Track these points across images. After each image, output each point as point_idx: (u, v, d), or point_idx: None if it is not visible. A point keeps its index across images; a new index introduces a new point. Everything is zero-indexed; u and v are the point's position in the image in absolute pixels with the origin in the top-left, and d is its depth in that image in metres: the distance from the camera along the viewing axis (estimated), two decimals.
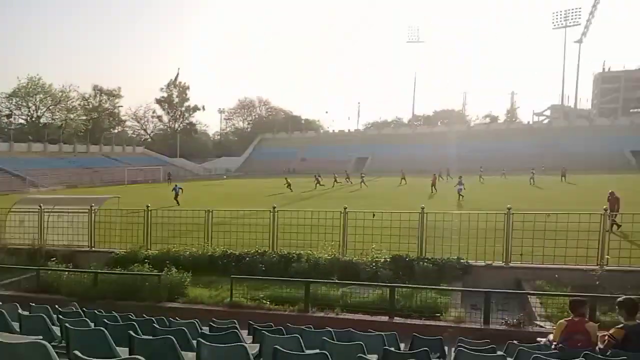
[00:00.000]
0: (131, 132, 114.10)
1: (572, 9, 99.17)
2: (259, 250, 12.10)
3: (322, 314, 8.86)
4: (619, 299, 5.56)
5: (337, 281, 9.91)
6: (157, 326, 6.19)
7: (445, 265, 10.77)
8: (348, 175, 50.40)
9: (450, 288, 9.83)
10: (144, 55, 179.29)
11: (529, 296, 9.14)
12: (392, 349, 5.67)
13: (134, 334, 4.83)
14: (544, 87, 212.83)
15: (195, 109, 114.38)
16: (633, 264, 9.85)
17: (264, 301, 9.47)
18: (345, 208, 12.40)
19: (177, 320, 7.21)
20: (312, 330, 6.50)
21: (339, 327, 7.01)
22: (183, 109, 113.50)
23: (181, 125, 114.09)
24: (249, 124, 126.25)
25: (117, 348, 4.69)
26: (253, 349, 5.65)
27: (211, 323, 7.16)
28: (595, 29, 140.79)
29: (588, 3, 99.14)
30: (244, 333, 7.05)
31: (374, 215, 12.98)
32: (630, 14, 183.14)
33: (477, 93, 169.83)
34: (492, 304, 8.15)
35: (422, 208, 11.86)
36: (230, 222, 14.28)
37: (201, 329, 6.56)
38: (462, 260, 10.96)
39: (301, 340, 5.27)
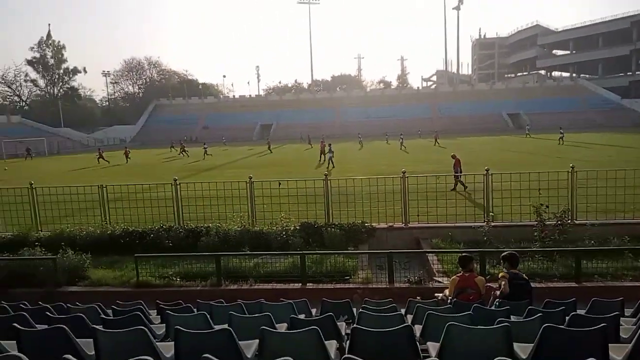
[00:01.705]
0: (1, 99, 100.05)
1: None
2: (164, 226, 11.57)
3: (235, 287, 8.83)
4: (502, 254, 6.37)
5: (248, 252, 9.88)
6: (53, 314, 5.73)
7: (351, 229, 11.22)
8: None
9: (356, 251, 10.33)
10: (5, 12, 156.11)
11: (427, 254, 9.95)
12: (302, 316, 5.87)
13: (20, 327, 4.41)
14: (431, 53, 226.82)
15: (75, 71, 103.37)
16: (514, 219, 11.12)
17: (174, 278, 9.17)
18: (250, 177, 12.28)
19: (77, 305, 6.73)
20: (223, 305, 6.46)
21: (253, 299, 7.07)
22: (61, 71, 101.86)
23: (61, 90, 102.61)
24: (139, 88, 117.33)
25: (4, 343, 4.29)
26: (160, 329, 5.51)
27: (114, 306, 6.79)
28: None
29: None
30: (153, 313, 6.82)
31: (279, 184, 13.04)
32: None
33: (371, 59, 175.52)
34: (395, 264, 8.73)
35: (325, 175, 12.15)
36: (128, 198, 13.40)
37: (104, 313, 6.22)
38: (366, 224, 11.51)
39: (209, 317, 5.23)
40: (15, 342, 4.32)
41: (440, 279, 8.63)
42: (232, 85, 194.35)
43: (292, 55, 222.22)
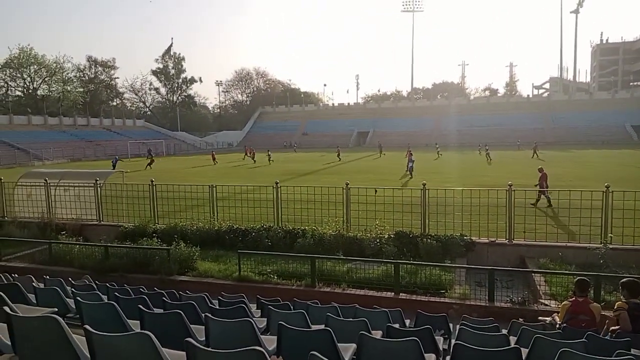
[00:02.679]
0: (129, 104, 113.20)
1: None
2: (264, 226, 12.20)
3: (328, 289, 9.01)
4: (622, 280, 5.72)
5: (342, 257, 10.02)
6: (168, 300, 6.32)
7: (448, 241, 10.85)
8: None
9: (454, 265, 9.94)
10: (135, 25, 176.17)
11: (533, 274, 9.26)
12: (397, 325, 5.79)
13: (144, 309, 4.93)
14: (543, 59, 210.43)
15: (192, 80, 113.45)
16: (637, 242, 9.94)
17: (271, 276, 9.61)
18: (347, 184, 12.44)
19: (187, 293, 7.34)
20: (318, 305, 6.62)
21: (345, 303, 7.15)
22: (180, 80, 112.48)
23: (179, 97, 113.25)
24: (247, 96, 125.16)
25: (128, 321, 4.80)
26: (261, 323, 5.80)
27: (220, 297, 7.29)
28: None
29: None
30: (253, 307, 7.20)
31: (376, 191, 13.03)
32: None
33: (476, 65, 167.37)
34: (496, 282, 8.27)
35: (424, 184, 11.88)
36: (234, 198, 14.33)
37: (211, 303, 6.69)
38: (465, 237, 11.05)
39: (307, 316, 5.38)
40: (138, 322, 4.85)
41: (547, 302, 7.98)
42: (332, 93, 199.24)
43: (393, 63, 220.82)
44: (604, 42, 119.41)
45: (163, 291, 7.11)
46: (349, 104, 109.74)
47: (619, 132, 71.29)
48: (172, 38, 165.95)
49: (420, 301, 8.32)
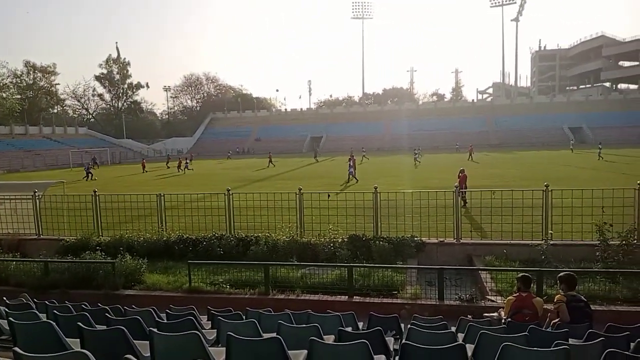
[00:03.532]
0: (72, 111, 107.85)
1: None
2: (215, 234, 11.93)
3: (282, 296, 8.92)
4: (559, 275, 6.06)
5: (296, 263, 9.97)
6: (112, 316, 6.03)
7: (400, 243, 11.04)
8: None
9: (405, 266, 10.14)
10: (78, 30, 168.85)
11: (480, 272, 9.58)
12: (349, 328, 5.82)
13: (83, 326, 4.68)
14: (487, 65, 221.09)
15: (139, 86, 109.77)
16: (575, 238, 10.51)
17: (224, 285, 9.41)
18: (300, 189, 12.42)
19: (133, 308, 7.04)
20: (271, 313, 6.55)
21: (299, 309, 7.11)
22: (125, 86, 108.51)
23: (125, 103, 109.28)
24: (197, 102, 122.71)
25: (68, 340, 4.55)
26: (211, 334, 5.66)
27: (168, 310, 7.05)
28: (530, 8, 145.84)
29: None
30: (204, 319, 7.01)
31: (329, 196, 13.09)
32: None
33: (424, 71, 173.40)
34: (446, 280, 8.50)
35: (375, 188, 12.05)
36: (184, 207, 13.95)
37: (158, 317, 6.45)
38: (416, 238, 11.29)
39: (258, 325, 5.31)
40: (78, 340, 4.59)
41: (493, 298, 8.28)
42: (284, 99, 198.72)
43: (344, 69, 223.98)
44: (542, 49, 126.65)
45: (107, 307, 6.78)
46: (301, 109, 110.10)
47: (557, 134, 75.70)
48: (116, 42, 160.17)
49: (374, 303, 8.40)
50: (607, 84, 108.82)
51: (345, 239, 11.20)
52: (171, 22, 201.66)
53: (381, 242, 10.90)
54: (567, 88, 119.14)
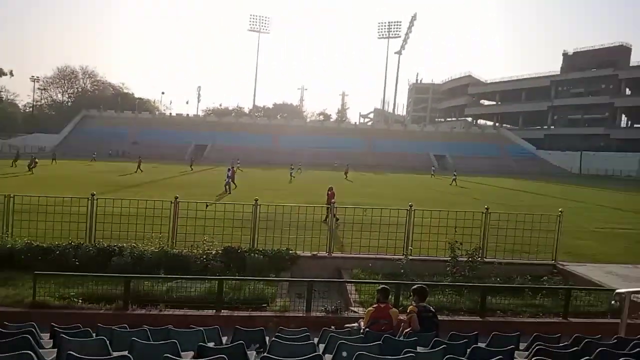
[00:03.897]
0: None
1: (394, 22, 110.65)
2: (72, 243, 10.75)
3: (143, 311, 8.32)
4: (412, 287, 6.61)
5: (161, 276, 9.39)
6: None
7: (275, 256, 11.10)
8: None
9: (277, 278, 10.19)
10: None
11: (346, 284, 10.03)
12: (212, 344, 5.65)
13: None
14: (370, 91, 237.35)
15: (1, 73, 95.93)
16: (430, 254, 11.57)
17: (75, 300, 8.48)
18: (176, 197, 11.85)
19: None
20: (126, 330, 6.07)
21: (162, 325, 6.69)
22: None
23: None
24: (70, 97, 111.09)
25: None
26: (50, 354, 5.05)
27: (0, 329, 6.13)
28: (412, 43, 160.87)
29: (407, 18, 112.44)
30: (46, 336, 6.24)
31: (207, 205, 12.69)
32: (440, 34, 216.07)
33: (314, 91, 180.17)
34: (314, 292, 8.72)
35: (256, 200, 12.02)
36: (37, 211, 12.34)
37: None
38: (290, 251, 11.45)
39: (108, 343, 4.90)
40: None
41: (356, 309, 8.70)
42: (170, 103, 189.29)
43: (236, 79, 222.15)
44: (419, 82, 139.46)
45: None
46: (188, 115, 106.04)
47: (424, 159, 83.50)
48: None
49: (242, 317, 8.26)
50: (469, 119, 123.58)
51: (220, 251, 10.92)
52: (47, 7, 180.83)
53: (256, 255, 10.84)
54: (436, 119, 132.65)
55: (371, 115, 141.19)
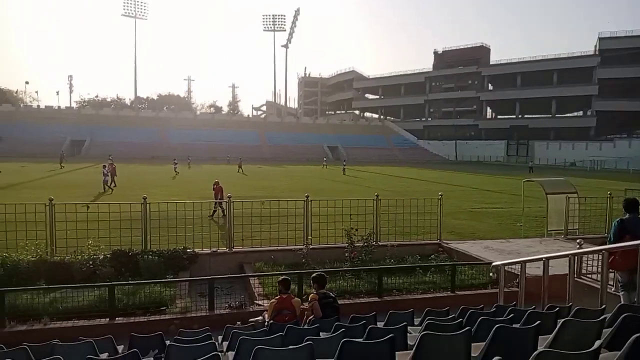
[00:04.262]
0: None
1: (278, 15, 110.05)
2: None
3: (24, 327, 7.45)
4: (312, 275, 6.82)
5: (42, 287, 8.47)
6: None
7: (171, 256, 10.63)
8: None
9: (175, 279, 9.79)
10: None
11: (249, 278, 9.99)
12: (105, 355, 5.27)
13: None
14: (261, 83, 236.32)
15: None
16: (330, 242, 12.01)
17: None
18: (51, 200, 10.71)
19: None
20: (3, 350, 5.40)
21: (46, 340, 6.05)
22: None
23: None
24: None
25: None
26: None
27: None
28: (298, 37, 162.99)
29: (291, 12, 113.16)
30: None
31: (88, 207, 11.67)
32: (324, 29, 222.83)
33: (202, 82, 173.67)
34: (217, 290, 8.54)
35: (145, 198, 11.34)
36: None
37: None
38: (188, 250, 11.05)
39: None
40: None
41: (261, 302, 8.72)
42: (36, 92, 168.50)
43: (113, 68, 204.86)
44: (307, 75, 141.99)
45: None
46: (59, 107, 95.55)
47: (319, 151, 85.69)
48: None
49: (139, 322, 7.81)
50: (357, 112, 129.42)
51: (109, 256, 10.15)
52: None
53: (150, 257, 10.27)
54: (327, 112, 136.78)
55: (264, 108, 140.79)
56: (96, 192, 24.38)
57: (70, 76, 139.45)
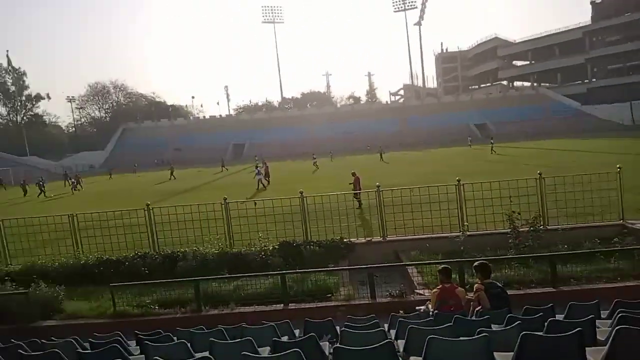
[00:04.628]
0: None
1: None
2: (138, 253, 11.30)
3: (216, 311, 8.67)
4: (474, 264, 6.46)
5: (227, 276, 9.73)
6: (27, 351, 5.49)
7: (330, 246, 11.23)
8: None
9: (337, 268, 10.32)
10: None
11: (407, 267, 10.01)
12: (285, 338, 5.79)
13: None
14: (396, 67, 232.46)
15: (39, 97, 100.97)
16: (488, 228, 11.31)
17: (152, 306, 8.93)
18: (225, 199, 12.17)
19: (53, 340, 6.46)
20: (203, 331, 6.33)
21: (236, 323, 6.95)
22: (23, 98, 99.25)
23: (25, 117, 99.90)
24: (106, 112, 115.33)
25: None
26: None
27: (91, 339, 6.56)
28: (430, 12, 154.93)
29: None
30: (132, 344, 6.62)
31: (255, 203, 12.96)
32: None
33: (339, 75, 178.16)
34: (376, 278, 8.76)
35: (301, 192, 12.13)
36: (100, 226, 13.02)
37: (81, 347, 5.99)
38: (345, 240, 11.53)
39: (189, 345, 5.12)
40: None
41: (421, 291, 8.68)
42: (201, 106, 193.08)
43: (261, 74, 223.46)
44: (444, 51, 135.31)
45: (21, 342, 6.14)
46: (221, 116, 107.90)
47: (464, 131, 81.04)
48: (7, 51, 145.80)
49: (310, 308, 8.45)
50: (505, 82, 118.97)
51: (276, 247, 11.15)
52: (70, 26, 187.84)
53: (312, 247, 11.01)
54: (470, 87, 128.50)
55: (402, 92, 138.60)
56: (254, 190, 26.92)
57: (226, 86, 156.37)
